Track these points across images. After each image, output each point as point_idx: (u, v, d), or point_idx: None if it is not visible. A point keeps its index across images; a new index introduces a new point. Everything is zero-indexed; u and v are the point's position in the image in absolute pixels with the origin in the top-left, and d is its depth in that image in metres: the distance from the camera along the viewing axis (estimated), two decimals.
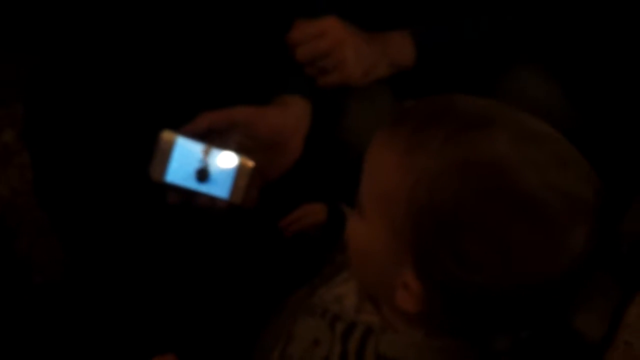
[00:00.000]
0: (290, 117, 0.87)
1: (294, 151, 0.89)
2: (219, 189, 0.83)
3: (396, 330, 0.57)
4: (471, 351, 0.55)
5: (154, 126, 0.79)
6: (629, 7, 1.20)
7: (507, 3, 1.03)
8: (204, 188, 0.82)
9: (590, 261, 0.50)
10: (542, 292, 0.51)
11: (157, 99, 0.94)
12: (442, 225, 0.49)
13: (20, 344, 0.93)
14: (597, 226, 0.50)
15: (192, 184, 0.82)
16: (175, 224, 0.93)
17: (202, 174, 0.82)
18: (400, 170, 0.51)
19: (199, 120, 0.82)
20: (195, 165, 0.82)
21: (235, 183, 0.83)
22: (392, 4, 1.02)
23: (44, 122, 0.92)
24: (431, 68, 0.99)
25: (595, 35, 1.27)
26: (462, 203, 0.48)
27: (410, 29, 0.97)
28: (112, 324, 0.93)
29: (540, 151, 0.50)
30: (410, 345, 0.55)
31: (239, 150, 0.83)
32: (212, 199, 0.82)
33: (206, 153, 0.82)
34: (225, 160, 0.83)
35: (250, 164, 0.84)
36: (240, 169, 0.83)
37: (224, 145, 0.83)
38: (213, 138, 0.83)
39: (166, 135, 0.80)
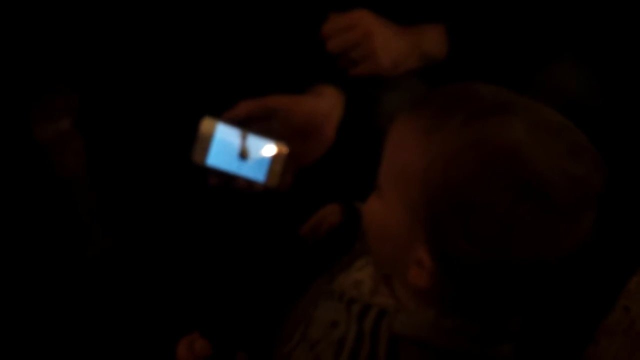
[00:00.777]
0: (324, 105, 0.92)
1: (327, 138, 0.93)
2: (256, 172, 0.88)
3: (409, 311, 0.60)
4: (483, 332, 0.57)
5: (197, 113, 0.85)
6: None
7: None
8: (242, 171, 0.88)
9: (591, 245, 0.53)
10: (547, 273, 0.53)
11: (200, 88, 1.00)
12: (454, 203, 0.52)
13: (68, 314, 1.00)
14: (601, 213, 0.53)
15: (231, 167, 0.87)
16: (214, 206, 0.99)
17: (241, 158, 0.88)
18: (418, 149, 0.54)
19: (238, 108, 0.88)
20: (234, 150, 0.88)
21: (271, 167, 0.89)
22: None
23: (97, 112, 1.00)
24: (464, 61, 1.02)
25: (631, 27, 1.28)
26: (475, 182, 0.51)
27: (443, 23, 1.01)
28: (148, 300, 1.00)
29: (553, 139, 0.52)
30: (422, 325, 0.58)
31: (275, 136, 0.89)
32: (249, 182, 0.88)
33: (244, 138, 0.88)
34: (262, 146, 0.89)
35: (286, 149, 0.89)
36: (276, 154, 0.89)
37: (261, 131, 0.88)
38: (251, 124, 0.88)
39: (207, 121, 0.86)
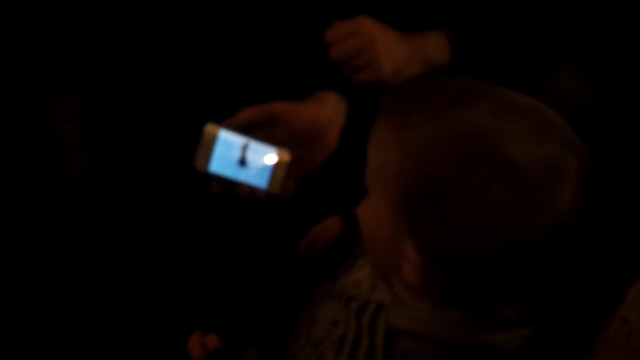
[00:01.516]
0: (326, 112, 0.92)
1: (329, 145, 0.94)
2: (258, 179, 0.89)
3: (405, 305, 0.61)
4: (479, 321, 0.59)
5: (200, 120, 0.86)
6: None
7: (543, 3, 1.05)
8: (244, 178, 0.88)
9: (581, 227, 0.54)
10: (531, 255, 0.54)
11: (203, 94, 1.01)
12: (428, 194, 0.54)
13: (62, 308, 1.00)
14: (584, 191, 0.54)
15: (233, 174, 0.88)
16: (216, 212, 0.99)
17: (243, 165, 0.88)
18: (392, 149, 0.56)
19: (240, 115, 0.88)
20: (236, 156, 0.88)
21: (274, 174, 0.89)
22: (427, 6, 1.06)
23: (101, 116, 1.00)
24: (467, 68, 1.03)
25: (632, 32, 1.28)
26: (445, 171, 0.53)
27: (446, 30, 1.01)
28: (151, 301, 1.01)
29: (519, 120, 0.54)
30: (417, 318, 0.60)
31: (277, 143, 0.89)
32: (251, 189, 0.88)
33: (247, 145, 0.88)
34: (265, 153, 0.89)
35: (288, 156, 0.89)
36: (278, 161, 0.89)
37: (263, 138, 0.89)
38: (254, 131, 0.89)
39: (210, 128, 0.86)
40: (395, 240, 0.57)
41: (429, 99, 0.57)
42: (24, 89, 1.00)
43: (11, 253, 1.02)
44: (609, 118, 1.07)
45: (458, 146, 0.53)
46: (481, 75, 1.01)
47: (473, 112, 0.54)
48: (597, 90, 1.08)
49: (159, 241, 1.03)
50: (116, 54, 1.01)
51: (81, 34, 1.04)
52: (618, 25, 1.27)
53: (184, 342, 0.67)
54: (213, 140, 0.86)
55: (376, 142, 0.60)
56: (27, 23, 1.00)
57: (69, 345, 0.98)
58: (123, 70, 1.03)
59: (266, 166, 0.89)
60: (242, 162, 0.88)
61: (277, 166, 0.89)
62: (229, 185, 0.88)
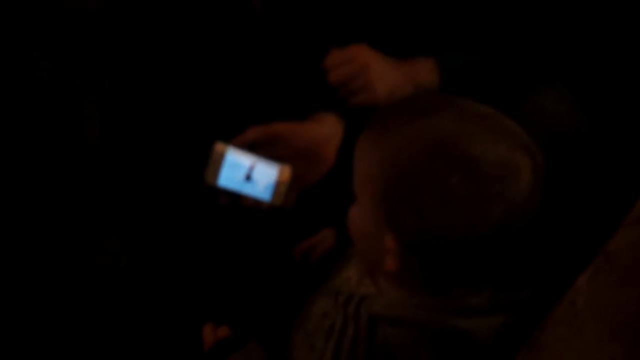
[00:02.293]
0: (324, 131, 1.01)
1: (328, 161, 1.02)
2: (263, 192, 0.97)
3: (385, 294, 0.70)
4: (449, 307, 0.67)
5: (209, 138, 0.94)
6: None
7: (527, 29, 1.14)
8: (250, 191, 0.96)
9: (536, 219, 0.62)
10: (487, 241, 0.63)
11: (213, 115, 1.10)
12: (402, 188, 0.63)
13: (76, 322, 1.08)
14: (534, 186, 0.63)
15: (240, 188, 0.96)
16: (225, 222, 1.08)
17: (249, 179, 0.97)
18: (373, 152, 0.67)
19: (246, 133, 0.97)
20: (243, 171, 0.96)
21: (276, 188, 0.97)
22: (417, 29, 1.15)
23: (118, 136, 1.09)
24: (454, 91, 1.11)
25: (611, 51, 1.37)
26: (416, 168, 0.63)
27: (434, 55, 1.10)
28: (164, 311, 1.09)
29: (477, 125, 0.64)
30: (395, 304, 0.68)
31: (280, 159, 0.98)
32: (256, 201, 0.97)
33: (252, 161, 0.97)
34: (268, 168, 0.97)
35: (289, 171, 0.98)
36: (280, 176, 0.97)
37: (267, 155, 0.97)
38: (258, 149, 0.97)
39: (219, 146, 0.95)
40: (378, 234, 0.66)
41: (402, 111, 0.67)
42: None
43: (34, 269, 1.10)
44: (591, 138, 1.15)
45: (425, 147, 0.63)
46: (469, 94, 1.10)
47: (438, 119, 0.64)
48: (578, 111, 1.16)
49: (172, 247, 1.11)
50: (134, 79, 1.10)
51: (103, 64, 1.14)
52: (600, 49, 1.36)
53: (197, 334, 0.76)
54: (221, 157, 0.94)
55: (359, 151, 0.70)
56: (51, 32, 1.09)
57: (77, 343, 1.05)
58: (141, 97, 1.13)
59: (270, 180, 0.97)
60: (248, 177, 0.96)
61: (279, 181, 0.97)
62: (235, 198, 0.96)
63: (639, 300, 0.57)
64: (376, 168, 0.65)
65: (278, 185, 0.97)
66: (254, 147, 0.97)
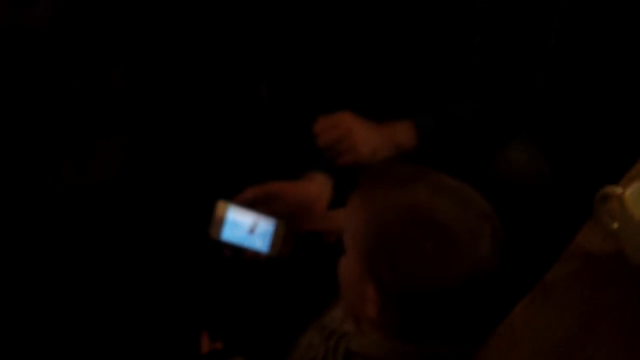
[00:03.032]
0: (315, 188, 1.14)
1: (319, 214, 1.15)
2: (261, 245, 1.09)
3: (363, 334, 0.80)
4: (415, 353, 0.77)
5: (212, 197, 1.07)
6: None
7: (495, 89, 1.27)
8: (249, 244, 1.09)
9: (497, 274, 0.74)
10: (455, 295, 0.74)
11: (215, 177, 1.24)
12: (382, 246, 0.74)
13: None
14: (495, 249, 0.74)
15: (241, 241, 1.08)
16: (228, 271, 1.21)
17: (249, 234, 1.09)
18: (360, 213, 0.78)
19: (246, 193, 1.10)
20: (243, 227, 1.09)
21: (273, 240, 1.10)
22: (395, 96, 1.29)
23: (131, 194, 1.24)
24: (431, 149, 1.24)
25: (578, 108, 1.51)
26: (394, 230, 0.74)
27: (411, 117, 1.23)
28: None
29: (449, 197, 0.76)
30: (371, 344, 0.79)
31: (276, 214, 1.10)
32: (256, 253, 1.09)
33: (251, 217, 1.09)
34: (266, 223, 1.10)
35: (285, 225, 1.10)
36: (277, 229, 1.10)
37: (265, 211, 1.10)
38: (257, 205, 1.10)
39: (221, 204, 1.07)
40: (361, 284, 0.77)
41: (385, 180, 0.80)
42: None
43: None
44: (556, 187, 1.27)
45: (402, 213, 0.75)
46: (443, 154, 1.23)
47: (415, 189, 0.76)
48: (542, 160, 1.28)
49: (181, 294, 1.24)
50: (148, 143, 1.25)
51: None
52: (564, 102, 1.50)
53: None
54: (224, 213, 1.07)
55: (348, 210, 0.82)
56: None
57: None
58: (154, 159, 1.27)
59: (267, 234, 1.10)
60: (248, 232, 1.09)
61: (275, 234, 1.10)
62: (237, 250, 1.09)
63: (572, 320, 0.69)
64: (361, 228, 0.77)
65: (275, 238, 1.10)
66: (253, 205, 1.10)
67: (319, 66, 1.30)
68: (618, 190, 0.75)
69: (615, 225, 0.76)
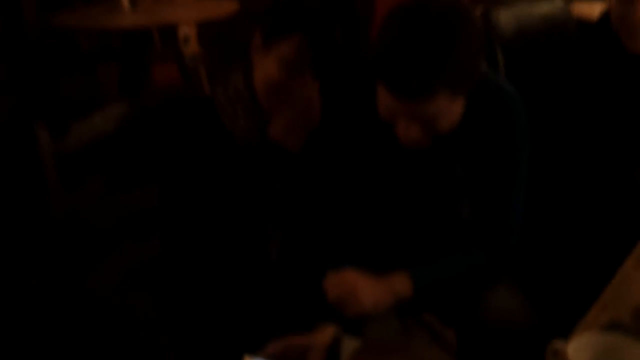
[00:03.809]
0: (326, 339, 1.32)
1: None
2: None
3: None
4: None
5: (239, 352, 1.25)
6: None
7: (485, 240, 1.48)
8: None
9: None
10: None
11: (241, 334, 1.41)
12: None
13: None
14: None
15: None
16: None
17: None
18: None
19: (269, 347, 1.27)
20: None
21: None
22: (393, 251, 1.50)
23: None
24: (427, 294, 1.43)
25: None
26: None
27: (408, 270, 1.42)
28: None
29: None
30: None
31: None
32: None
33: None
34: None
35: None
36: None
37: None
38: (278, 357, 1.27)
39: (248, 358, 1.25)
40: None
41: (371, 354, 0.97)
42: None
43: None
44: (539, 327, 1.44)
45: None
46: (436, 297, 1.41)
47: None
48: (526, 305, 1.46)
49: None
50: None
51: None
52: (545, 250, 1.71)
53: None
54: None
55: None
56: None
57: None
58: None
59: None
60: None
61: None
62: None
63: None
64: None
65: None
66: (275, 356, 1.27)
67: (327, 227, 1.51)
68: (562, 345, 0.89)
69: None
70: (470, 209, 1.49)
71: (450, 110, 1.27)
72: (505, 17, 1.79)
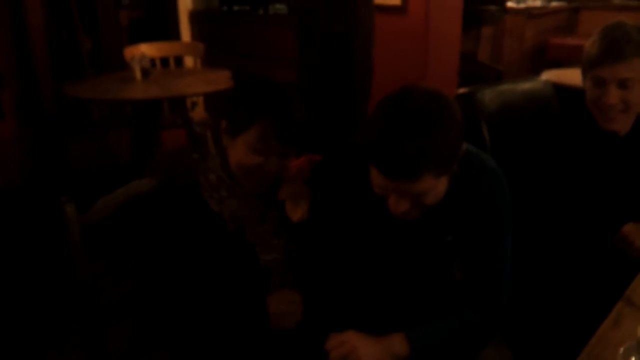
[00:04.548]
0: None
1: None
2: None
3: None
4: None
5: None
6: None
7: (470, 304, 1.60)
8: None
9: None
10: None
11: None
12: None
13: None
14: None
15: None
16: None
17: None
18: None
19: None
20: None
21: None
22: (390, 313, 1.62)
23: None
24: (423, 353, 1.54)
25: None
26: None
27: (405, 331, 1.54)
28: None
29: None
30: None
31: None
32: None
33: None
34: None
35: None
36: None
37: None
38: None
39: None
40: None
41: None
42: None
43: None
44: None
45: None
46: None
47: None
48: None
49: None
50: None
51: None
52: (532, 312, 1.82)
53: None
54: None
55: None
56: None
57: None
58: None
59: None
60: None
61: None
62: None
63: None
64: None
65: None
66: None
67: (328, 291, 1.64)
68: None
69: None
70: (461, 271, 1.61)
71: (435, 188, 1.42)
72: (490, 95, 1.96)
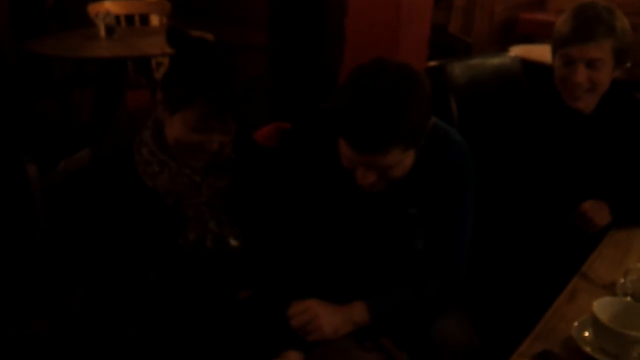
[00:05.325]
0: None
1: None
2: None
3: None
4: None
5: None
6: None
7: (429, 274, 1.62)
8: None
9: None
10: None
11: None
12: None
13: None
14: None
15: None
16: None
17: None
18: None
19: None
20: None
21: None
22: (352, 282, 1.63)
23: None
24: (383, 322, 1.57)
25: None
26: None
27: (366, 299, 1.56)
28: None
29: None
30: None
31: None
32: None
33: None
34: None
35: None
36: None
37: None
38: None
39: None
40: None
41: None
42: None
43: None
44: (481, 352, 1.59)
45: None
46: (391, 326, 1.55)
47: None
48: (471, 330, 1.60)
49: None
50: None
51: None
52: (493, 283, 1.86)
53: None
54: None
55: None
56: None
57: None
58: None
59: None
60: None
61: None
62: None
63: None
64: None
65: None
66: None
67: (290, 258, 1.64)
68: None
69: None
70: (423, 242, 1.63)
71: (402, 161, 1.43)
72: (459, 69, 1.97)
